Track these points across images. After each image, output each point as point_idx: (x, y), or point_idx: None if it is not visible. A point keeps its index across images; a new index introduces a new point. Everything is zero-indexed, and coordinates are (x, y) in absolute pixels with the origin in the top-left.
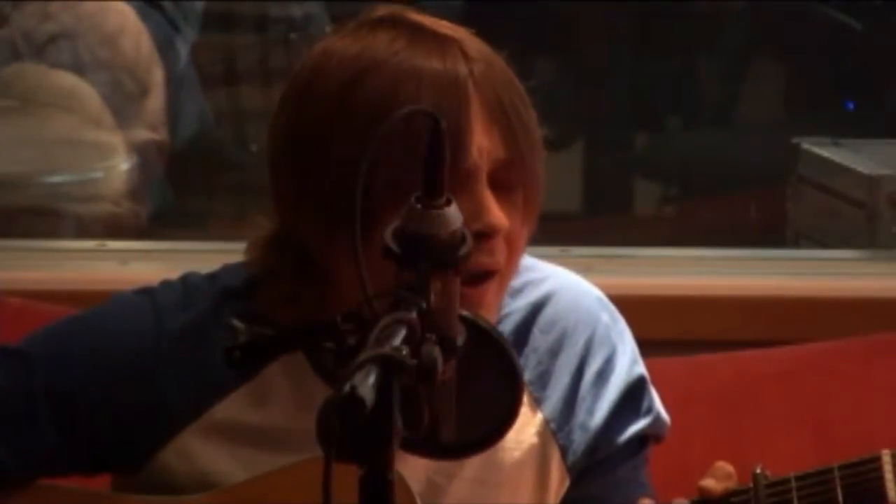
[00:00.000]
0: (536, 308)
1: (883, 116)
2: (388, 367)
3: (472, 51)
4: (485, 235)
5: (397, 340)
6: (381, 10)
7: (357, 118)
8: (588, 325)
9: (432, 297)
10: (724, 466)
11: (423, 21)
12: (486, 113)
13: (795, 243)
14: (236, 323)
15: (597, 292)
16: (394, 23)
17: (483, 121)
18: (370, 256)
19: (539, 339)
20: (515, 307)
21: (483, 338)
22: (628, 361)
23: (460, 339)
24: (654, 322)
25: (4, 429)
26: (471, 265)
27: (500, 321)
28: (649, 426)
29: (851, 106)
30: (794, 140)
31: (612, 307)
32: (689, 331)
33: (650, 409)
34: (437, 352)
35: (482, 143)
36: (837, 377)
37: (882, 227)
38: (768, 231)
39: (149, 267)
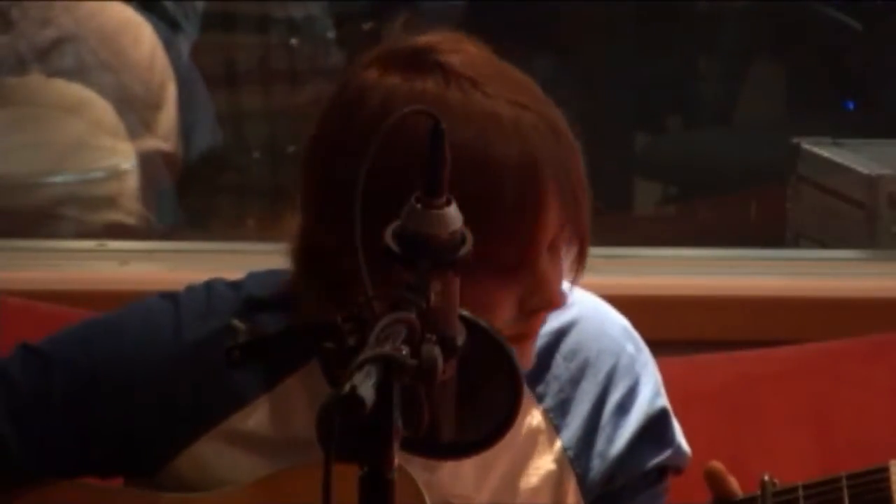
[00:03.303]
0: (560, 334)
1: (883, 116)
2: (389, 367)
3: (540, 127)
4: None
5: (397, 340)
6: (433, 39)
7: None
8: (612, 354)
9: (432, 297)
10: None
11: (475, 76)
12: (557, 190)
13: (795, 243)
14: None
15: (623, 321)
16: (444, 72)
17: (555, 198)
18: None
19: (561, 367)
20: (539, 332)
21: (483, 338)
22: (651, 393)
23: (460, 339)
24: (654, 322)
25: (20, 428)
26: (521, 328)
27: None
28: (669, 458)
29: (851, 106)
30: (794, 140)
31: (638, 337)
32: (689, 331)
33: (671, 442)
34: (437, 352)
35: (553, 221)
36: (837, 377)
37: (882, 227)
38: (768, 231)
39: (149, 267)
